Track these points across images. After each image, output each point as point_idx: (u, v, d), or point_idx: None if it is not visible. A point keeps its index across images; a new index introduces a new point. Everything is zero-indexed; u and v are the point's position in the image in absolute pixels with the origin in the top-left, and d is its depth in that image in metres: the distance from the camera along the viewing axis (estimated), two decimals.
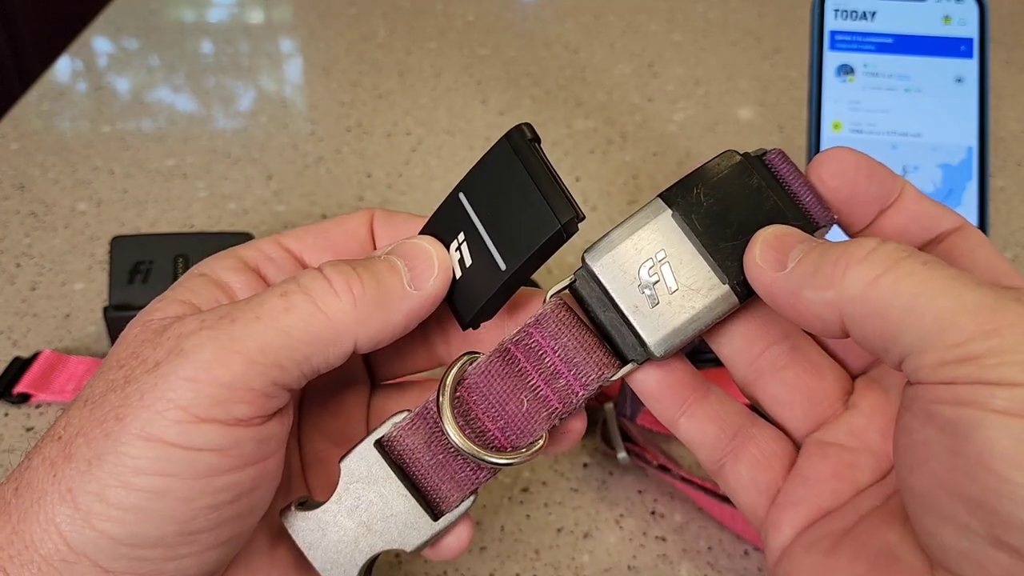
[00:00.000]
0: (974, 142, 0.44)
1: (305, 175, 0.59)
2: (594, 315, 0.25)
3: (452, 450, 0.25)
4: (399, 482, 0.26)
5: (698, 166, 0.25)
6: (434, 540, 0.26)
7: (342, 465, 0.26)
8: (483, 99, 0.68)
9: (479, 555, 0.34)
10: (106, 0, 0.83)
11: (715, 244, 0.24)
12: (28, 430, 0.40)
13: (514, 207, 0.24)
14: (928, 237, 0.26)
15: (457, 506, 0.26)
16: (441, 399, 0.25)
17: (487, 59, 0.74)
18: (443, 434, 0.25)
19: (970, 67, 0.44)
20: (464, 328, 0.26)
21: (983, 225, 0.43)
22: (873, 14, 0.45)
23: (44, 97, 0.67)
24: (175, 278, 0.42)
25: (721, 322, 0.25)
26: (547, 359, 0.25)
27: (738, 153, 0.25)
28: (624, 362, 0.25)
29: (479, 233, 0.25)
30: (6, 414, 0.40)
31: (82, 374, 0.42)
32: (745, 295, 0.24)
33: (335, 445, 0.29)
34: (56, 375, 0.42)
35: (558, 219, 0.23)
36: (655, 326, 0.24)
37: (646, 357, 0.25)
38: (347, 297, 0.24)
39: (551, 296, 0.25)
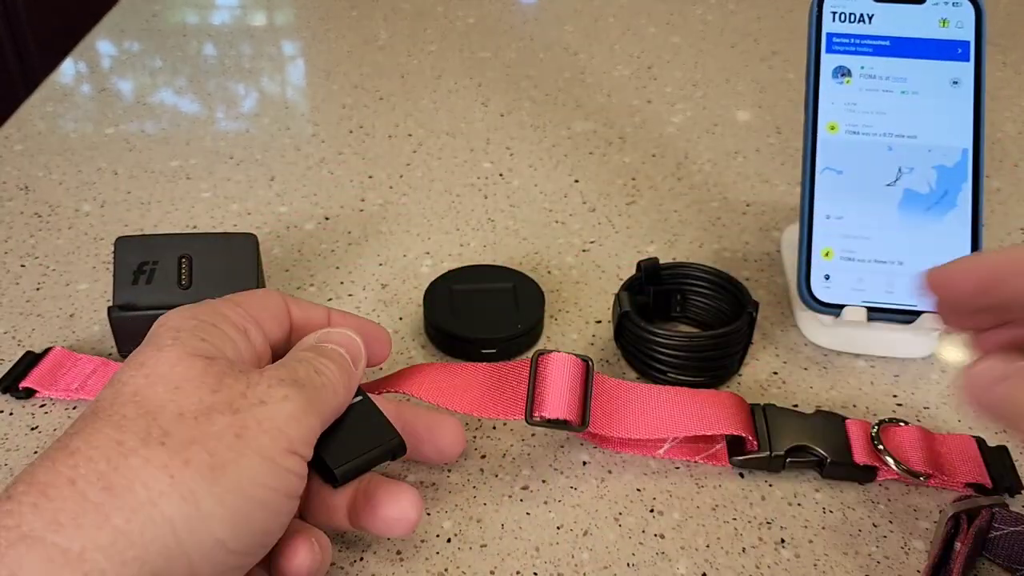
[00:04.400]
0: (969, 144, 0.44)
1: (307, 177, 0.59)
2: None
3: None
4: None
5: None
6: None
7: None
8: (484, 101, 0.68)
9: (479, 552, 0.35)
10: (109, 3, 0.83)
11: None
12: (32, 429, 0.40)
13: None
14: None
15: None
16: None
17: (487, 61, 0.75)
18: None
19: (966, 70, 0.45)
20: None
21: (976, 227, 0.43)
22: (871, 17, 0.45)
23: (48, 99, 0.68)
24: (179, 278, 0.43)
25: None
26: None
27: None
28: None
29: None
30: (11, 412, 0.41)
31: (89, 373, 0.42)
32: None
33: None
34: (64, 373, 0.42)
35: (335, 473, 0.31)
36: None
37: None
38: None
39: None
